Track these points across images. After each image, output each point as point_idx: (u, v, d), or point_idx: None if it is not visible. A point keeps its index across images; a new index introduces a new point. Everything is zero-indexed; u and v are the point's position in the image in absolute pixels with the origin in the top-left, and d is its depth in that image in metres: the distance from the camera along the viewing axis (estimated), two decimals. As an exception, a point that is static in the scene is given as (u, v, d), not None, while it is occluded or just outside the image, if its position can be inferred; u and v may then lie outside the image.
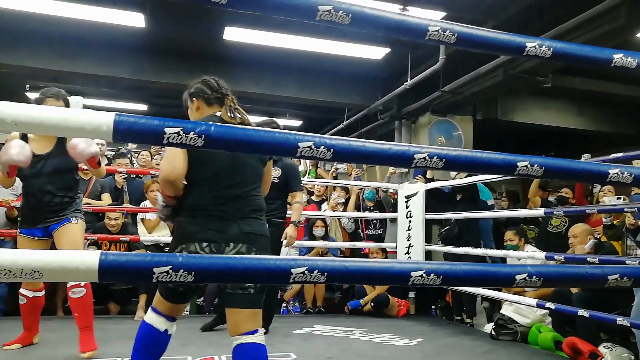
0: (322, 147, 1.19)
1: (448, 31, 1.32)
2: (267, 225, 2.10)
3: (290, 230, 3.66)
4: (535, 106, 7.04)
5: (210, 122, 1.16)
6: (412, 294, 5.16)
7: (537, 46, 1.41)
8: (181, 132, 1.11)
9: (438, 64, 4.89)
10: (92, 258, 1.07)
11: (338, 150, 1.22)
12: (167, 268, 1.09)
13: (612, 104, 7.17)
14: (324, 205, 5.67)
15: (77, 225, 2.96)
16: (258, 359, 1.84)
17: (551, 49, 1.43)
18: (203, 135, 1.12)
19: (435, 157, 1.27)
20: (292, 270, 1.16)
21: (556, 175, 1.51)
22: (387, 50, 5.48)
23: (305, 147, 1.18)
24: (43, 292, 3.12)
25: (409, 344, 3.69)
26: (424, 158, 1.26)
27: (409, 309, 5.05)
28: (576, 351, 3.30)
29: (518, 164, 1.35)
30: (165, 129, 1.10)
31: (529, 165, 1.35)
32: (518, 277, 1.32)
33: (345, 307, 5.04)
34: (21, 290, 3.05)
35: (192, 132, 1.11)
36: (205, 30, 5.31)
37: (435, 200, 5.09)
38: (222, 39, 5.27)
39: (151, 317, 2.01)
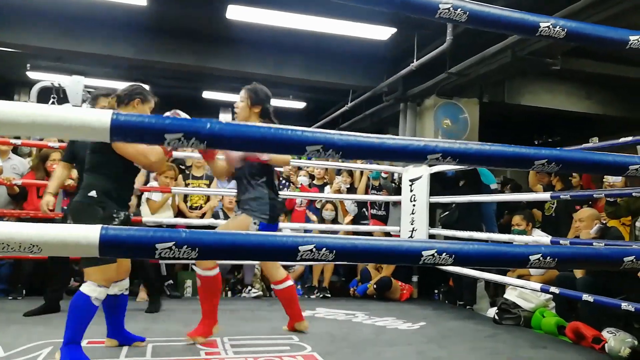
0: (331, 149, 1.17)
1: (459, 9, 1.27)
2: None
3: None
4: (543, 89, 6.93)
5: (215, 120, 1.12)
6: (415, 278, 5.15)
7: (550, 26, 1.36)
8: (182, 138, 1.07)
9: (445, 44, 4.79)
10: (93, 233, 1.05)
11: (347, 150, 1.20)
12: (170, 244, 1.06)
13: (621, 87, 7.06)
14: (327, 189, 5.62)
15: None
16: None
17: (565, 29, 1.38)
18: (205, 141, 1.09)
19: (449, 157, 1.24)
20: (300, 247, 1.13)
21: (573, 169, 1.49)
22: (394, 30, 5.38)
23: (314, 150, 1.16)
24: (215, 272, 2.87)
25: (411, 327, 3.69)
26: (437, 159, 1.23)
27: (412, 293, 5.05)
28: (579, 336, 3.30)
29: (535, 161, 1.32)
30: (166, 135, 1.06)
31: (546, 164, 1.32)
32: (532, 258, 1.29)
33: (351, 290, 5.05)
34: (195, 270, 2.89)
35: (195, 138, 1.08)
36: (207, 9, 5.22)
37: (438, 184, 5.05)
38: (224, 17, 5.18)
39: None
